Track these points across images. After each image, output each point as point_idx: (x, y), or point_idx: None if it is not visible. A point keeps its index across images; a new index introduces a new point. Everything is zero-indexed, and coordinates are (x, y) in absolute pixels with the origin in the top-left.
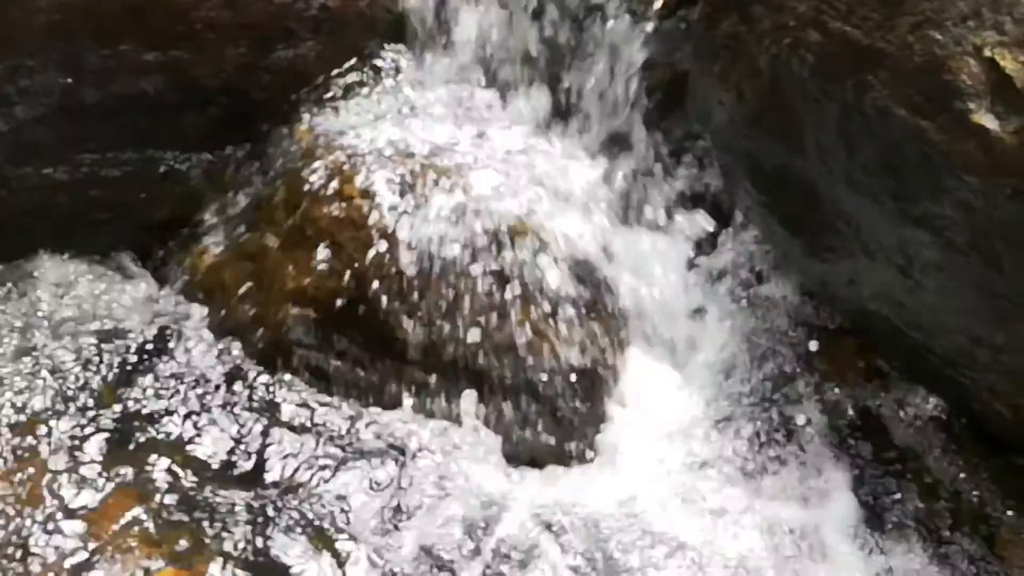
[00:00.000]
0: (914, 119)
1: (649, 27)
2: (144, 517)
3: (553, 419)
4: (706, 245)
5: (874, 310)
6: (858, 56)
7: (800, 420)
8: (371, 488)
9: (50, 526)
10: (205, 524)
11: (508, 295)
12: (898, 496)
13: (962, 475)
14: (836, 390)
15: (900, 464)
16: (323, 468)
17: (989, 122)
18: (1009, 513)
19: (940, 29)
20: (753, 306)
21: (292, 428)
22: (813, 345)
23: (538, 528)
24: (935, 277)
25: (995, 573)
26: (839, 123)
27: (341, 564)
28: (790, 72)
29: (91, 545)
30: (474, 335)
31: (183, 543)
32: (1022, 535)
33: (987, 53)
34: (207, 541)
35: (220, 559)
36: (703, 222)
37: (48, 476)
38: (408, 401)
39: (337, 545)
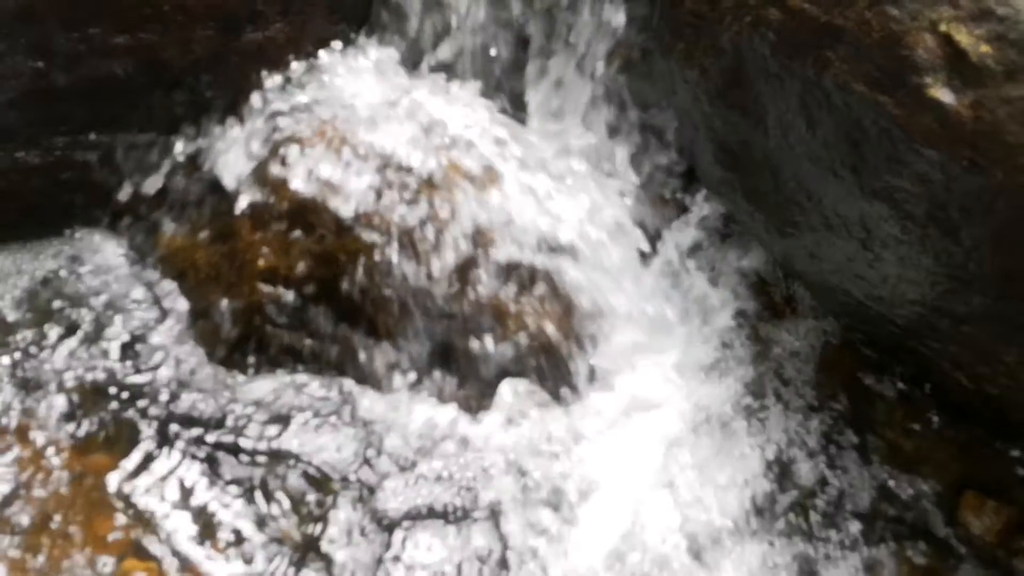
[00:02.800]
0: (872, 94)
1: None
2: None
3: None
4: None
5: (836, 283)
6: (817, 33)
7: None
8: (348, 462)
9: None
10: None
11: (478, 269)
12: (858, 465)
13: (924, 444)
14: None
15: (861, 433)
16: (298, 445)
17: (945, 96)
18: (970, 476)
19: (896, 5)
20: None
21: (265, 407)
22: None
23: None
24: (895, 249)
25: (958, 540)
26: (800, 99)
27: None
28: (752, 49)
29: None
30: (445, 309)
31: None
32: (984, 502)
33: (942, 28)
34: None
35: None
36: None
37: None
38: (381, 377)
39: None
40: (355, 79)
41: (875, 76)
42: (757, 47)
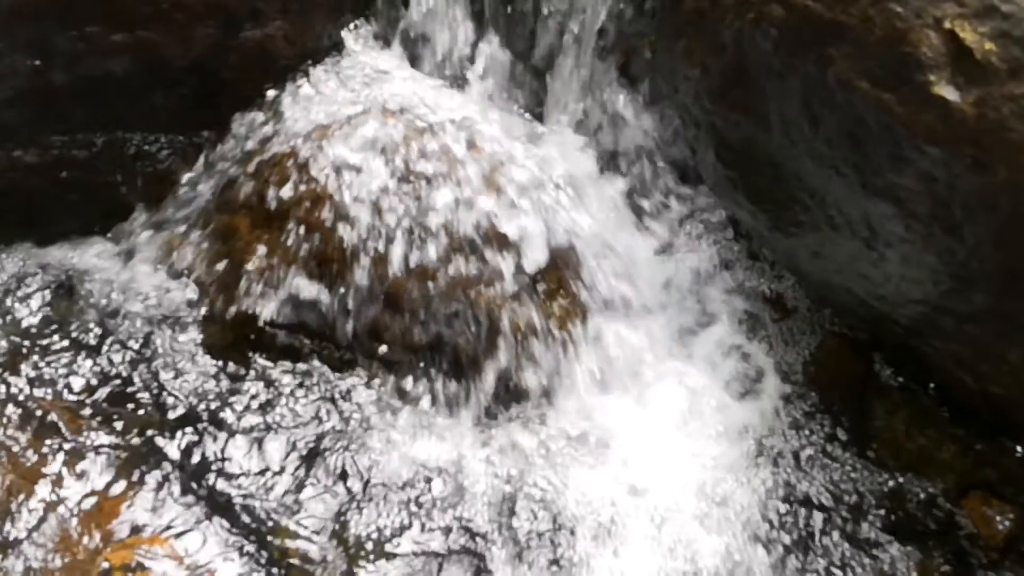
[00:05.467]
0: (876, 92)
1: None
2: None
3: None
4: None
5: (839, 282)
6: (820, 30)
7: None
8: (346, 462)
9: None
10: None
11: (475, 271)
12: (864, 466)
13: (929, 444)
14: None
15: (866, 433)
16: (292, 449)
17: (949, 93)
18: (975, 476)
19: (900, 2)
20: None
21: (262, 408)
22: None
23: None
24: (898, 248)
25: (965, 539)
26: (803, 97)
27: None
28: (754, 47)
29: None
30: (441, 312)
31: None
32: (990, 501)
33: (947, 25)
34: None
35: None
36: None
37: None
38: (377, 377)
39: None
40: (354, 72)
41: (878, 73)
42: (759, 44)
